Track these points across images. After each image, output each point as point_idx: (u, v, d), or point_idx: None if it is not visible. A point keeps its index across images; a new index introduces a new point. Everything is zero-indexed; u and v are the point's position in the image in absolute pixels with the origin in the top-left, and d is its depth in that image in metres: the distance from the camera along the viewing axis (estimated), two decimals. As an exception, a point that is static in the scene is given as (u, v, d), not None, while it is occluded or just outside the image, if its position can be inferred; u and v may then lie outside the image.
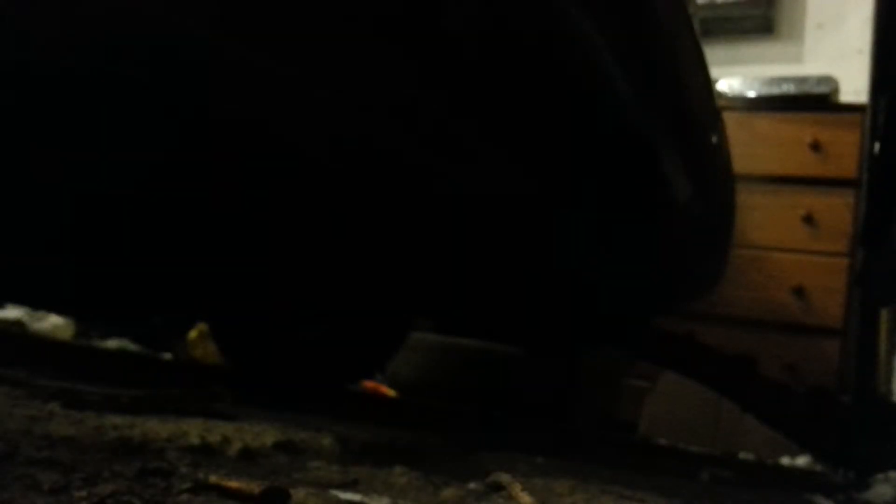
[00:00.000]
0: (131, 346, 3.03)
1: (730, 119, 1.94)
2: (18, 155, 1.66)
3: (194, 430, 1.01)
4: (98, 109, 1.49)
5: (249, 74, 1.27)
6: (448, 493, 0.98)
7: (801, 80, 3.02)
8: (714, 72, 1.65)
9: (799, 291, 2.82)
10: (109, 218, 1.86)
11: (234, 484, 0.76)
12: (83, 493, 0.68)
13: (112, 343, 3.04)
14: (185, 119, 1.48)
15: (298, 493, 0.79)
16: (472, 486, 1.04)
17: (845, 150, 2.84)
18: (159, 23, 1.16)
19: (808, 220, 2.86)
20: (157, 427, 0.98)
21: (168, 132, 1.54)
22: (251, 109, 1.41)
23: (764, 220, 2.89)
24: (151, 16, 1.14)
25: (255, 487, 0.75)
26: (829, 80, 2.99)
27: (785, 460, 2.55)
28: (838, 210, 2.83)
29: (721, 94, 2.97)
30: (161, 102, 1.42)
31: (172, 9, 1.13)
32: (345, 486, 0.93)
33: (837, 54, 3.37)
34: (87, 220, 1.88)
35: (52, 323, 2.94)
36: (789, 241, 2.87)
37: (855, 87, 2.95)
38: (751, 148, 2.83)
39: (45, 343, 2.70)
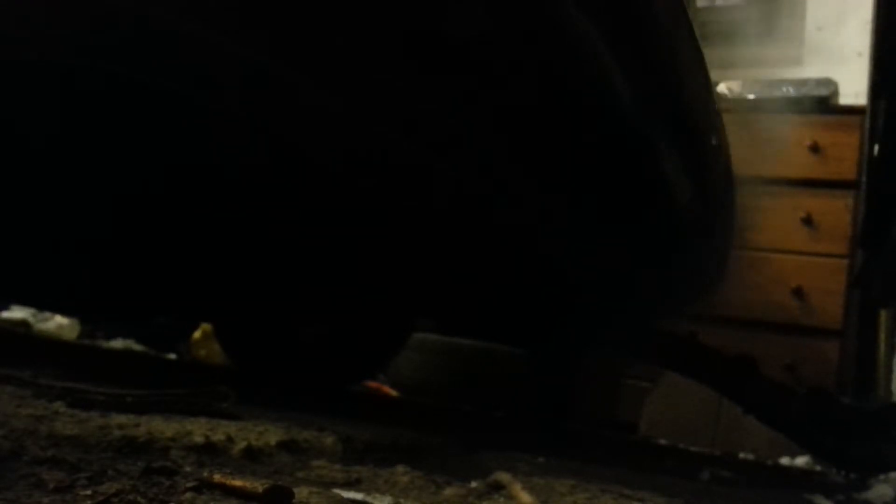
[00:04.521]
0: (136, 346, 3.04)
1: (730, 121, 1.94)
2: (26, 157, 1.67)
3: (198, 429, 1.01)
4: (106, 111, 1.50)
5: (258, 79, 1.28)
6: (450, 492, 0.98)
7: (801, 83, 3.02)
8: (714, 74, 1.66)
9: (798, 292, 2.83)
10: (116, 220, 1.87)
11: (237, 482, 0.76)
12: (88, 492, 0.69)
13: (117, 343, 3.05)
14: (192, 123, 1.49)
15: (302, 492, 0.80)
16: (473, 485, 1.05)
17: (845, 152, 2.84)
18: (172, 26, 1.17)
19: (808, 221, 2.86)
20: (161, 426, 0.99)
21: (175, 136, 1.55)
22: (256, 113, 1.42)
23: (764, 221, 2.89)
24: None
25: (258, 486, 0.75)
26: (828, 83, 2.99)
27: (785, 460, 2.56)
28: (838, 212, 2.83)
29: (721, 97, 2.97)
30: (169, 107, 1.43)
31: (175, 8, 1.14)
32: (348, 485, 0.93)
33: (837, 57, 3.37)
34: (93, 222, 1.88)
35: (58, 323, 2.95)
36: (789, 242, 2.88)
37: (854, 89, 2.95)
38: (751, 150, 2.83)
39: (50, 343, 2.70)
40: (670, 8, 1.35)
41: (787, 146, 2.92)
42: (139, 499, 0.69)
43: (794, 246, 2.87)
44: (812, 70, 3.36)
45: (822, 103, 2.97)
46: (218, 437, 0.99)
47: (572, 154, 1.46)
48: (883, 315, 2.19)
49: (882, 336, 2.17)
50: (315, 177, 1.64)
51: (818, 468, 2.42)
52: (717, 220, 1.98)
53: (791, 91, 3.01)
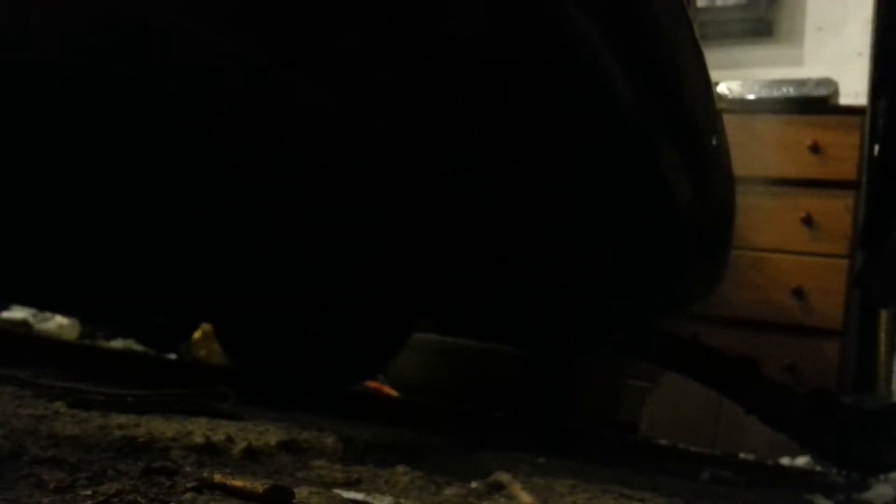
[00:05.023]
0: (136, 346, 3.04)
1: (730, 122, 1.94)
2: (27, 157, 1.67)
3: (199, 429, 1.01)
4: (106, 111, 1.50)
5: (258, 79, 1.28)
6: (450, 492, 0.98)
7: (801, 83, 3.02)
8: (714, 74, 1.66)
9: (799, 293, 2.83)
10: (116, 220, 1.87)
11: (238, 483, 0.76)
12: (88, 492, 0.69)
13: (117, 343, 3.05)
14: (192, 123, 1.49)
15: (302, 492, 0.80)
16: (473, 485, 1.05)
17: (845, 152, 2.84)
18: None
19: (808, 221, 2.86)
20: (161, 426, 0.99)
21: (176, 136, 1.55)
22: (256, 112, 1.42)
23: (764, 221, 2.89)
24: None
25: (258, 486, 0.75)
26: (828, 83, 2.99)
27: (785, 460, 2.56)
28: (838, 212, 2.83)
29: (721, 97, 2.97)
30: (169, 107, 1.43)
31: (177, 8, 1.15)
32: (348, 485, 0.93)
33: (837, 57, 3.37)
34: (93, 222, 1.88)
35: (58, 323, 2.95)
36: (789, 242, 2.88)
37: (854, 89, 2.95)
38: (751, 150, 2.83)
39: (50, 343, 2.70)
40: (670, 8, 1.35)
41: (787, 146, 2.92)
42: (139, 499, 0.69)
43: (794, 246, 2.87)
44: (812, 70, 3.36)
45: (822, 103, 2.97)
46: (218, 437, 0.99)
47: (572, 154, 1.46)
48: (883, 315, 2.18)
49: (882, 336, 2.17)
50: (315, 177, 1.64)
51: (818, 468, 2.42)
52: (716, 221, 1.98)
53: (791, 91, 3.01)
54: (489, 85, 1.26)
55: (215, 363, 2.89)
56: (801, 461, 2.52)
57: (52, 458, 0.76)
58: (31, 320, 2.95)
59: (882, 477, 1.92)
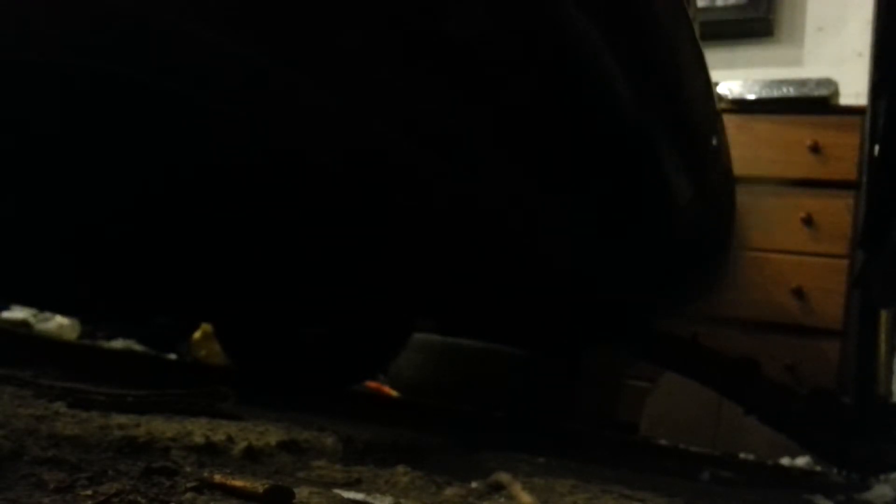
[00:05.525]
0: (136, 346, 3.05)
1: (730, 122, 1.94)
2: (27, 157, 1.67)
3: (199, 429, 1.01)
4: (106, 111, 1.50)
5: (258, 79, 1.28)
6: (450, 492, 0.98)
7: (801, 83, 3.02)
8: (714, 75, 1.66)
9: (799, 293, 2.82)
10: (116, 220, 1.87)
11: (238, 483, 0.76)
12: (88, 492, 0.69)
13: (117, 343, 3.05)
14: (192, 123, 1.49)
15: (302, 492, 0.80)
16: (473, 485, 1.05)
17: (845, 152, 2.84)
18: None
19: (808, 221, 2.86)
20: (161, 426, 0.99)
21: (176, 136, 1.55)
22: (256, 112, 1.42)
23: (764, 221, 2.89)
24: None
25: (259, 486, 0.75)
26: (828, 83, 2.99)
27: (785, 460, 2.56)
28: (838, 212, 2.83)
29: (721, 97, 2.97)
30: (169, 107, 1.43)
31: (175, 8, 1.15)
32: (348, 485, 0.93)
33: (837, 57, 3.38)
34: (93, 223, 1.88)
35: (58, 323, 2.95)
36: (789, 242, 2.87)
37: (855, 89, 2.95)
38: (751, 150, 2.83)
39: (50, 343, 2.70)
40: (670, 8, 1.35)
41: (787, 146, 2.92)
42: (139, 499, 0.69)
43: (794, 246, 2.87)
44: (812, 70, 3.36)
45: (823, 103, 2.97)
46: (218, 437, 0.99)
47: (572, 154, 1.46)
48: (883, 315, 2.18)
49: (882, 336, 2.16)
50: (315, 177, 1.64)
51: (818, 468, 2.42)
52: (716, 222, 1.98)
53: (791, 91, 3.00)
54: (489, 85, 1.26)
55: (215, 363, 2.89)
56: (801, 461, 2.52)
57: (53, 458, 0.76)
58: (31, 320, 2.95)
59: (882, 477, 1.92)
